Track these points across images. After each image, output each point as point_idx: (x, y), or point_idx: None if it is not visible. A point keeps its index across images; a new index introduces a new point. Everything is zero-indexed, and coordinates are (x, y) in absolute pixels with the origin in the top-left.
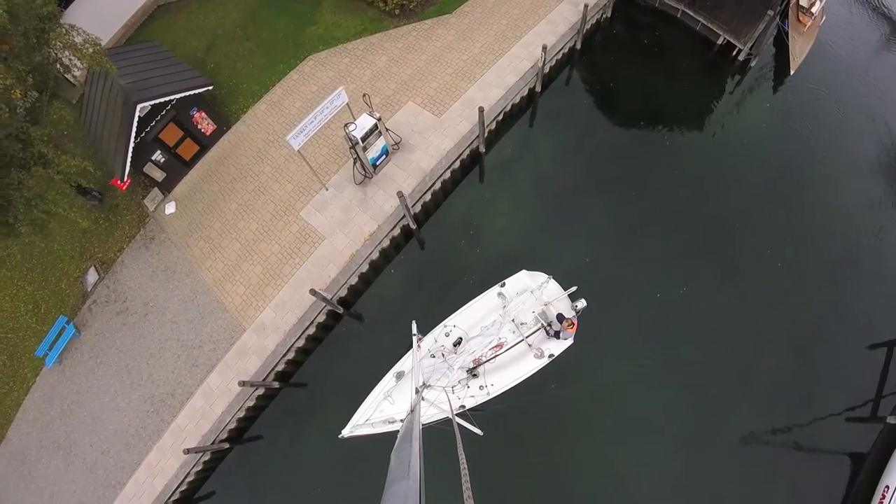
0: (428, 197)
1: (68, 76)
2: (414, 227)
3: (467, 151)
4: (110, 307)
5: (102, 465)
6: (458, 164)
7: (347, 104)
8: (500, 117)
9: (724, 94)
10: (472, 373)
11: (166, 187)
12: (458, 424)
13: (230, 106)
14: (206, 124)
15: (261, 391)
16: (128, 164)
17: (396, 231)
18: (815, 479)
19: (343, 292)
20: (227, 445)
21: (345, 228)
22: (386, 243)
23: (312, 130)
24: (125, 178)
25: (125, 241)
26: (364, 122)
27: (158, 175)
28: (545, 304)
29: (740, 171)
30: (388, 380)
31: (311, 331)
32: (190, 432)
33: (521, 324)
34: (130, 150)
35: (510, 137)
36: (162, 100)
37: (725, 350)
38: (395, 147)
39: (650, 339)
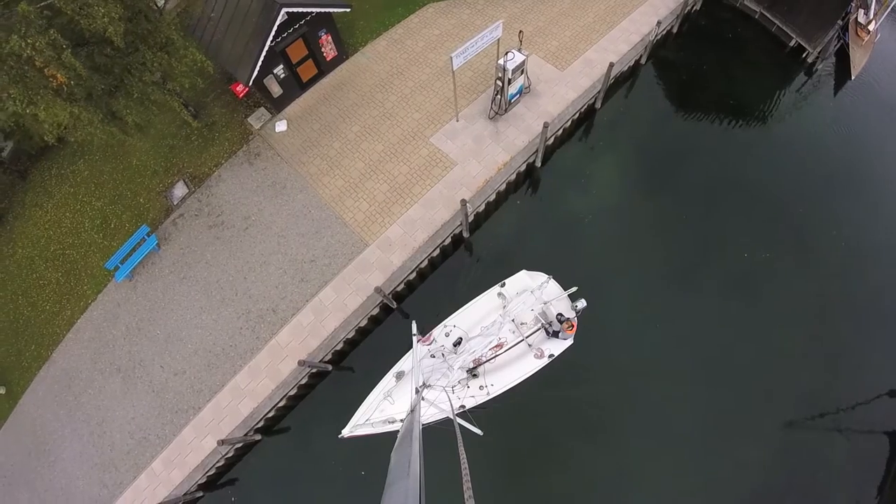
0: (551, 141)
1: None
2: (539, 164)
3: (586, 105)
4: (201, 220)
5: (173, 388)
6: (576, 115)
7: (498, 40)
8: (612, 81)
9: (793, 90)
10: (472, 373)
11: (277, 106)
12: (459, 424)
13: (346, 40)
14: (329, 49)
15: (375, 311)
16: (257, 68)
17: (523, 167)
18: (857, 454)
19: (471, 217)
20: (329, 368)
21: (477, 156)
22: (513, 177)
23: (471, 55)
24: (249, 83)
25: (223, 157)
26: (517, 57)
27: (276, 90)
28: (545, 304)
29: (805, 159)
30: (388, 380)
31: (435, 253)
32: (293, 350)
33: (521, 324)
34: (264, 54)
35: (616, 99)
36: (304, 9)
37: (735, 343)
38: (527, 90)
39: (651, 337)
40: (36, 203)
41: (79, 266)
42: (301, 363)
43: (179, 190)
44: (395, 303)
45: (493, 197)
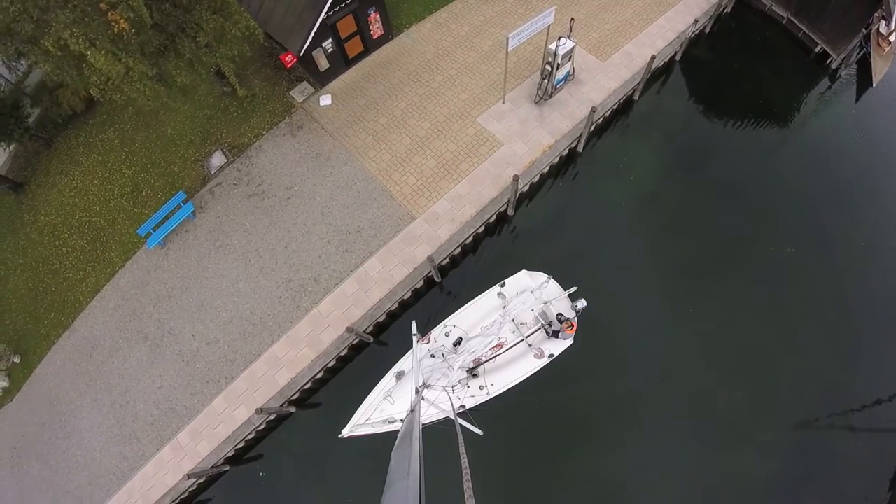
0: (591, 128)
1: None
2: (581, 150)
3: (625, 95)
4: (240, 189)
5: (205, 357)
6: (616, 105)
7: (549, 27)
8: (648, 76)
9: (817, 93)
10: (472, 373)
11: (321, 81)
12: (459, 424)
13: (391, 20)
14: (376, 27)
15: (419, 284)
16: (310, 40)
17: (566, 151)
18: (871, 449)
19: (517, 195)
20: (370, 340)
21: (523, 138)
22: (556, 160)
23: (525, 37)
24: (300, 53)
25: (264, 128)
26: (567, 44)
27: (323, 64)
28: (545, 304)
29: (827, 161)
30: (388, 380)
31: (481, 229)
32: (335, 319)
33: (522, 324)
34: (318, 25)
35: (651, 93)
36: None
37: (740, 341)
38: (571, 77)
39: (653, 336)
40: (61, 171)
41: (106, 233)
42: (349, 330)
43: (217, 159)
44: (439, 275)
45: (536, 178)
